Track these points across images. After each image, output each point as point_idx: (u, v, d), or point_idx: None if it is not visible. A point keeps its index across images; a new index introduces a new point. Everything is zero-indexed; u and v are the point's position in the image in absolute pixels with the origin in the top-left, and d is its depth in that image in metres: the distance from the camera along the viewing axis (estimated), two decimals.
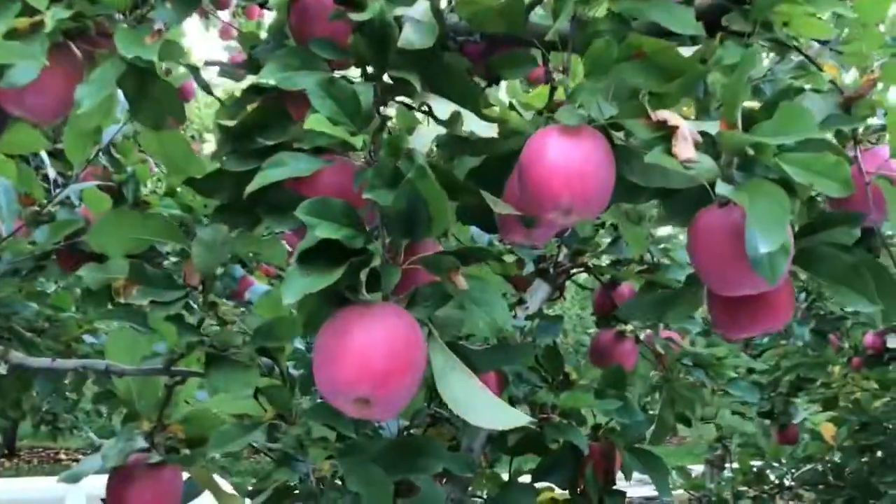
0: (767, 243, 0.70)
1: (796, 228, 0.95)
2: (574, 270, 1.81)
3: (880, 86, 1.00)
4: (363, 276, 0.76)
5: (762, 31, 0.98)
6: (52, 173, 1.76)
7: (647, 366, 1.76)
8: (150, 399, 1.16)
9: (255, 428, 1.02)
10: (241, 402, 1.15)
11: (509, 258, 1.73)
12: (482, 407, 0.81)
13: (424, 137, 0.80)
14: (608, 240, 1.78)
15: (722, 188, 0.74)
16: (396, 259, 0.82)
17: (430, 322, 0.87)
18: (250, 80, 1.00)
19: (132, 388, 1.15)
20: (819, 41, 1.09)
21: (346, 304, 0.80)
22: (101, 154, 1.95)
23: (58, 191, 1.76)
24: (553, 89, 0.90)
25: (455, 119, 0.78)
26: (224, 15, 3.24)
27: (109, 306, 1.42)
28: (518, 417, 0.80)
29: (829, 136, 1.06)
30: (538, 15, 0.94)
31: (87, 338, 1.90)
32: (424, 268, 0.83)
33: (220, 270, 1.27)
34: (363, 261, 0.77)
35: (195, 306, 1.03)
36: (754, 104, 1.14)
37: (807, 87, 1.06)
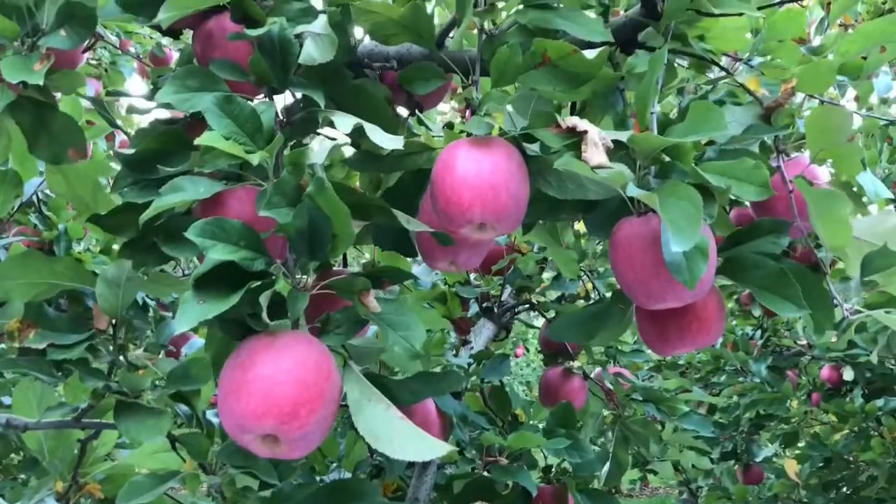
0: (681, 243, 0.67)
1: (722, 240, 0.93)
2: (519, 308, 1.77)
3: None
4: (264, 300, 0.71)
5: (677, 44, 0.97)
6: None
7: (598, 403, 1.72)
8: (63, 455, 1.09)
9: (170, 478, 0.95)
10: (161, 455, 1.08)
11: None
12: (401, 438, 0.76)
13: (323, 150, 0.76)
14: (552, 275, 1.75)
15: (632, 190, 0.72)
16: (305, 283, 0.78)
17: (344, 350, 0.82)
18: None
19: (43, 443, 1.07)
20: (736, 58, 1.09)
21: (253, 335, 0.75)
22: (29, 211, 1.89)
23: None
24: (469, 104, 0.88)
25: (357, 132, 0.75)
26: None
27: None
28: (440, 447, 0.75)
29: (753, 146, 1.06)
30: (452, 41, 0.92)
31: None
32: (335, 291, 0.78)
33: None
34: (264, 284, 0.72)
35: (104, 351, 0.96)
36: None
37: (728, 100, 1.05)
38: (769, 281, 0.81)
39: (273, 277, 0.75)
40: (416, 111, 1.06)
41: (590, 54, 0.76)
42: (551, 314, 1.71)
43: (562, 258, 1.36)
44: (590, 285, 1.82)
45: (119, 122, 1.05)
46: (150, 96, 0.97)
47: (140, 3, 0.83)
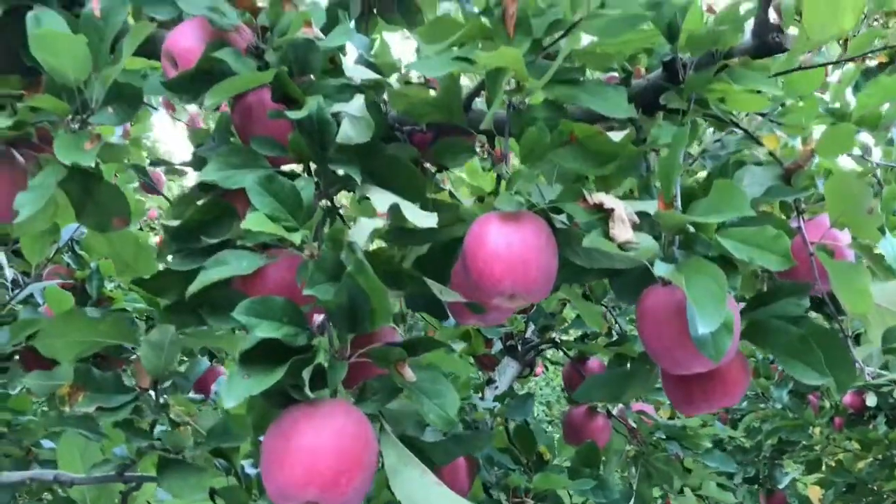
0: (707, 324, 0.70)
1: (746, 300, 0.96)
2: (542, 346, 1.80)
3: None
4: (306, 374, 0.74)
5: (698, 107, 1.00)
6: (10, 274, 1.74)
7: (621, 440, 1.74)
8: None
9: None
10: None
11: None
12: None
13: (364, 230, 0.80)
14: (575, 314, 1.78)
15: (660, 269, 0.75)
16: (343, 353, 0.81)
17: (381, 416, 0.85)
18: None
19: (87, 496, 1.11)
20: (758, 113, 1.11)
21: (294, 403, 0.79)
22: (63, 251, 1.94)
23: (17, 291, 1.73)
24: (500, 175, 0.91)
25: (394, 211, 0.78)
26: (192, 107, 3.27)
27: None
28: None
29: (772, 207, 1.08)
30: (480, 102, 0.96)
31: (47, 443, 1.85)
32: (372, 361, 0.82)
33: (181, 368, 1.25)
34: (306, 359, 0.76)
35: (147, 409, 1.00)
36: (701, 174, 1.16)
37: (753, 153, 1.08)
38: (792, 348, 0.83)
39: (314, 348, 0.78)
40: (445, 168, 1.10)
41: (615, 136, 0.80)
42: (574, 352, 1.74)
43: (588, 312, 1.39)
44: (612, 320, 1.84)
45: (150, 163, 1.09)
46: (194, 166, 1.02)
47: (185, 85, 0.88)
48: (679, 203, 0.85)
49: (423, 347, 0.83)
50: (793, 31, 1.09)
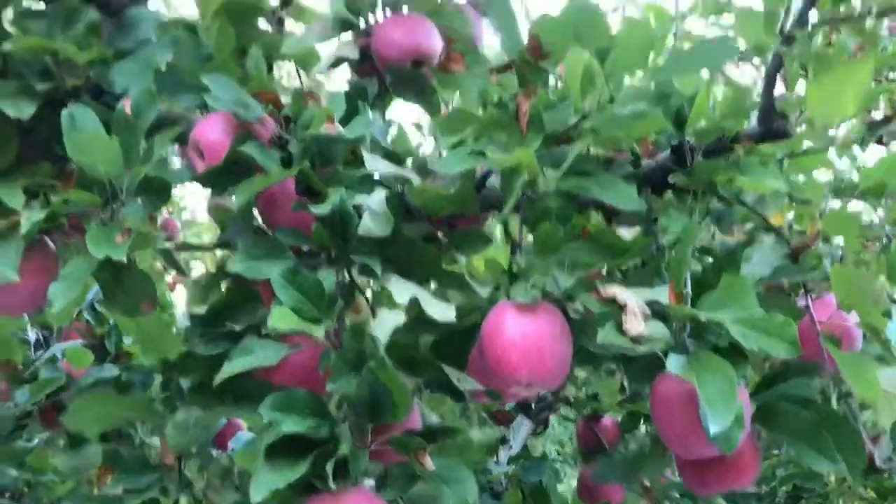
0: (719, 423, 0.72)
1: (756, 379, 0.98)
2: (556, 404, 1.81)
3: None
4: (329, 467, 0.77)
5: (707, 189, 1.03)
6: (32, 335, 1.77)
7: (635, 498, 1.74)
8: None
9: None
10: None
11: None
12: None
13: (386, 324, 0.83)
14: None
15: (672, 365, 0.77)
16: (363, 440, 0.84)
17: (401, 502, 0.87)
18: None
19: None
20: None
21: (317, 493, 0.81)
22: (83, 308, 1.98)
23: (39, 353, 1.77)
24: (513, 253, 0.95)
25: (414, 305, 0.81)
26: None
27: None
28: None
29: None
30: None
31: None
32: (392, 448, 0.84)
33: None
34: (329, 450, 0.78)
35: (172, 487, 1.03)
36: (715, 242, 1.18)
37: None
38: (802, 434, 0.86)
39: (336, 439, 0.81)
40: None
41: (625, 234, 0.83)
42: (588, 410, 1.75)
43: (606, 387, 1.41)
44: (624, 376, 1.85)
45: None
46: (216, 244, 1.05)
47: (213, 179, 0.91)
48: (689, 289, 0.88)
49: (442, 435, 0.85)
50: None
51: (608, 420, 1.75)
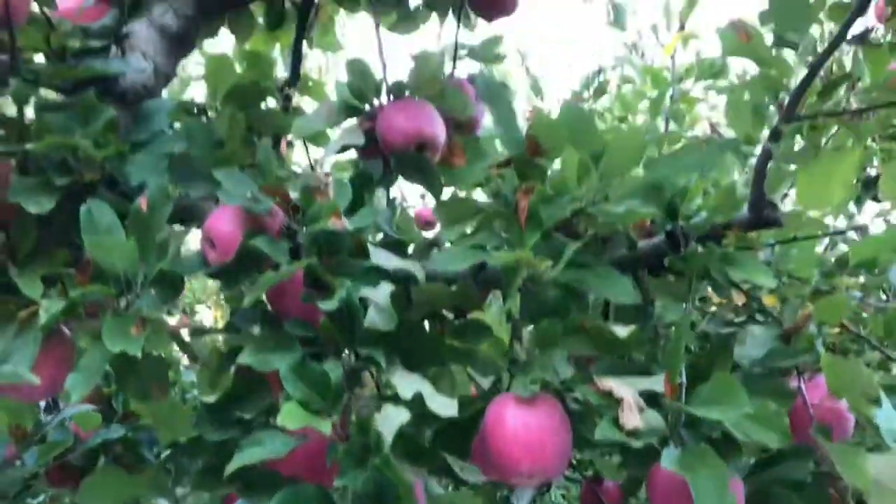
0: None
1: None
2: None
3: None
4: None
5: (701, 273, 1.07)
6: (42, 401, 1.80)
7: None
8: None
9: None
10: None
11: None
12: None
13: (391, 422, 0.85)
14: None
15: (667, 460, 0.80)
16: None
17: None
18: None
19: None
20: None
21: None
22: None
23: (50, 417, 1.79)
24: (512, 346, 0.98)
25: (418, 400, 0.84)
26: None
27: None
28: None
29: None
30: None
31: None
32: None
33: None
34: None
35: None
36: (709, 323, 1.21)
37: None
38: None
39: None
40: None
41: (621, 332, 0.86)
42: (590, 473, 1.77)
43: (606, 466, 1.43)
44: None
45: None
46: (226, 328, 1.09)
47: (226, 273, 0.95)
48: (684, 376, 0.91)
49: None
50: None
51: (611, 483, 1.77)
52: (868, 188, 2.34)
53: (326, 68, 1.87)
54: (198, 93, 1.55)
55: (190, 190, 1.10)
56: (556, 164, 0.99)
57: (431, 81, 1.23)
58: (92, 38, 1.14)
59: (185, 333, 1.12)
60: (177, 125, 1.19)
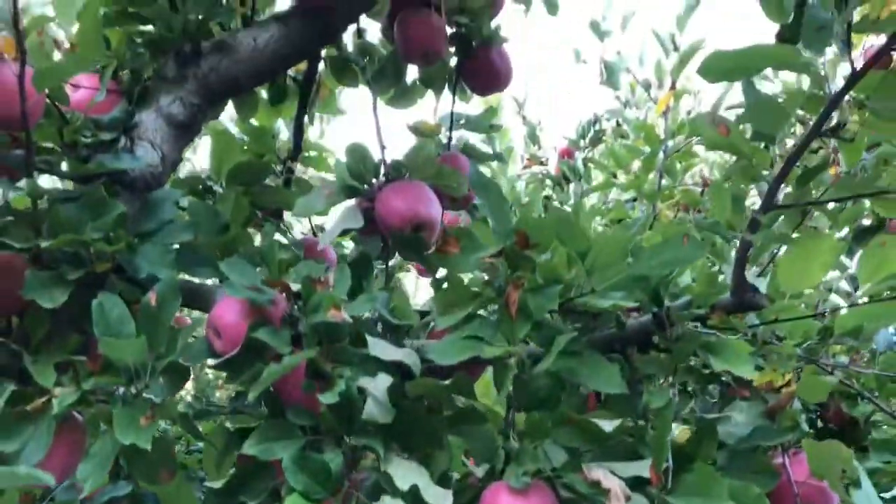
0: None
1: None
2: None
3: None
4: None
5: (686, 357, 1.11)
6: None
7: None
8: None
9: None
10: None
11: None
12: None
13: None
14: None
15: None
16: None
17: None
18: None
19: None
20: None
21: None
22: None
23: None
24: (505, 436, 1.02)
25: (414, 492, 0.88)
26: None
27: None
28: None
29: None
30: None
31: None
32: None
33: None
34: None
35: None
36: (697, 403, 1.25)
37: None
38: None
39: None
40: None
41: (607, 426, 0.91)
42: None
43: None
44: None
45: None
46: (230, 410, 1.13)
47: (231, 365, 1.00)
48: (671, 460, 0.95)
49: None
50: None
51: None
52: (859, 240, 2.38)
53: (324, 132, 1.92)
54: None
55: (196, 276, 1.15)
56: (546, 255, 1.03)
57: (427, 165, 1.28)
58: (103, 131, 1.20)
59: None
60: (185, 202, 1.25)
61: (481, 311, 1.08)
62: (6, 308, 1.11)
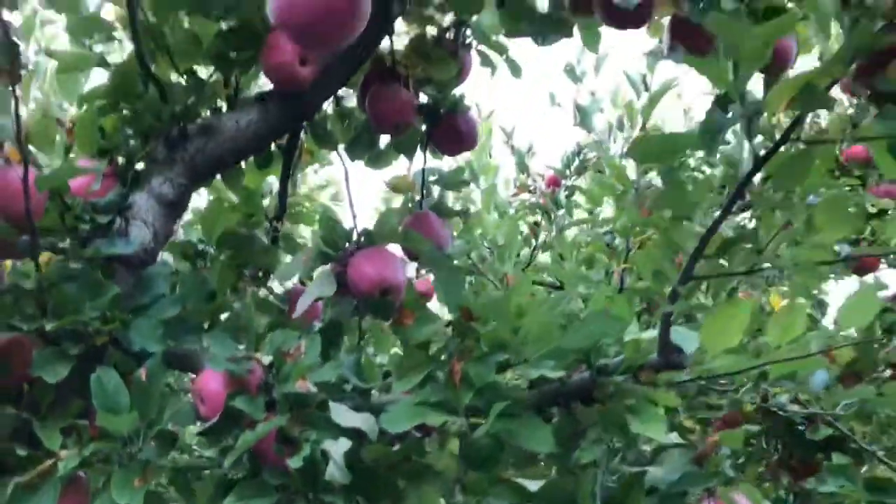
0: None
1: None
2: None
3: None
4: None
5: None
6: None
7: None
8: None
9: None
10: None
11: None
12: None
13: None
14: None
15: None
16: None
17: None
18: None
19: None
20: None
21: None
22: None
23: None
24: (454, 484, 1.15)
25: None
26: None
27: None
28: None
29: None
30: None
31: None
32: None
33: None
34: None
35: None
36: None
37: None
38: None
39: None
40: None
41: (532, 486, 1.04)
42: None
43: None
44: None
45: None
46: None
47: (212, 432, 1.14)
48: None
49: None
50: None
51: None
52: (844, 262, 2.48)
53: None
54: None
55: (184, 344, 1.30)
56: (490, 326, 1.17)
57: (392, 234, 1.42)
58: (100, 214, 1.35)
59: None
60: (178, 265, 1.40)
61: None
62: (19, 379, 1.26)
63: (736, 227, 1.25)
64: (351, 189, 1.53)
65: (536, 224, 3.18)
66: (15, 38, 1.05)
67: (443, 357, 1.19)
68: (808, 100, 1.02)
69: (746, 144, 1.08)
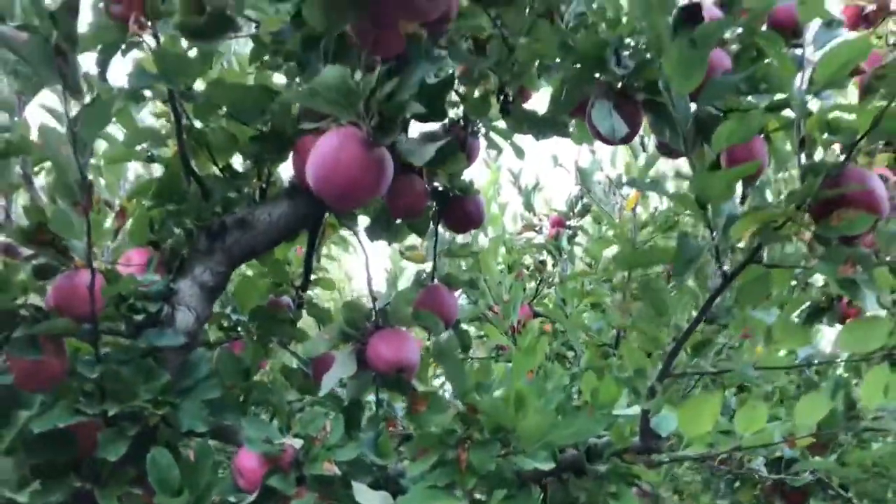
0: None
1: None
2: None
3: None
4: None
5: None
6: None
7: None
8: None
9: None
10: None
11: None
12: None
13: None
14: None
15: None
16: None
17: None
18: None
19: None
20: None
21: None
22: None
23: None
24: None
25: None
26: None
27: None
28: None
29: None
30: None
31: None
32: None
33: None
34: None
35: None
36: None
37: None
38: None
39: None
40: None
41: None
42: None
43: None
44: None
45: None
46: None
47: None
48: None
49: None
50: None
51: None
52: (813, 317, 2.65)
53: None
54: None
55: (224, 420, 1.48)
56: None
57: (405, 319, 1.60)
58: (150, 302, 1.53)
59: None
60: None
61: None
62: (83, 456, 1.44)
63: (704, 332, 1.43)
64: (369, 273, 1.71)
65: (542, 263, 3.36)
66: (88, 175, 1.23)
67: (451, 441, 1.37)
68: (767, 234, 1.19)
69: (715, 265, 1.26)
